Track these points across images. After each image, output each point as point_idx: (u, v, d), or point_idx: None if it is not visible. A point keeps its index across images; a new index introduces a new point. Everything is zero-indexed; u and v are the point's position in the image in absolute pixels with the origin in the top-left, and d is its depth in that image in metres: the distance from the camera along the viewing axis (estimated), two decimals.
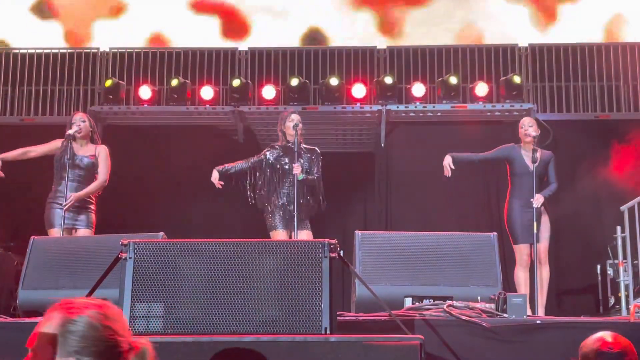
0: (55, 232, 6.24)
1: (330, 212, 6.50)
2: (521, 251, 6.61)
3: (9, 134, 8.99)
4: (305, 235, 6.27)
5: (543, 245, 6.63)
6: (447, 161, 6.70)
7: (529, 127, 6.72)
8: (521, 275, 6.60)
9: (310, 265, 3.67)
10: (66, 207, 6.22)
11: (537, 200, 6.44)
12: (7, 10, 10.14)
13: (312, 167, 6.50)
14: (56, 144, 6.59)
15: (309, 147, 6.61)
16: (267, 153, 6.61)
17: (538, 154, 6.55)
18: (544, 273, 6.62)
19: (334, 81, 9.14)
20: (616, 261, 7.55)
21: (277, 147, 6.63)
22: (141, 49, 9.74)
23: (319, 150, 6.64)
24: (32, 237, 5.12)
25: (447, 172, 6.70)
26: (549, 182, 6.72)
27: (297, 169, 6.30)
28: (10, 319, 4.53)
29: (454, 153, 6.79)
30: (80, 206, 6.38)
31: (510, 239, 6.73)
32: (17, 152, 6.61)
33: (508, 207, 6.75)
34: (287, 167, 6.46)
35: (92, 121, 6.78)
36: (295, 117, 6.59)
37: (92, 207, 6.50)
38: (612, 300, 7.90)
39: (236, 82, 9.17)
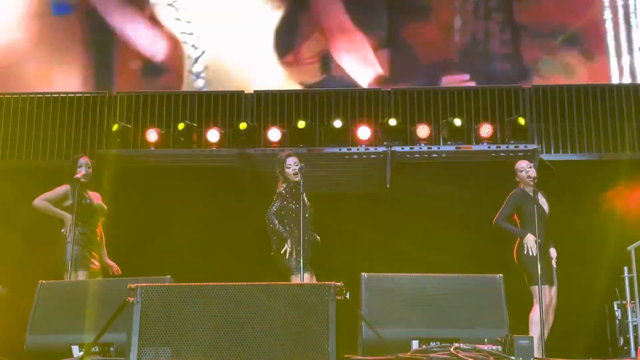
0: (83, 275, 6.26)
1: (336, 254, 6.50)
2: (544, 292, 6.32)
3: (18, 177, 9.05)
4: (313, 278, 6.26)
5: (554, 289, 6.57)
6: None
7: (529, 169, 6.70)
8: (538, 317, 6.39)
9: (317, 309, 3.68)
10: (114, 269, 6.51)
11: (554, 254, 6.48)
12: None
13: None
14: (62, 190, 6.57)
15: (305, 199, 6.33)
16: (281, 201, 6.30)
17: (542, 195, 6.56)
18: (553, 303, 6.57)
19: (337, 123, 9.21)
20: (624, 302, 7.52)
21: (285, 193, 6.31)
22: (148, 92, 9.84)
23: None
24: (40, 281, 5.13)
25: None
26: None
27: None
28: None
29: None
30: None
31: (525, 279, 6.52)
32: (44, 206, 6.49)
33: (519, 247, 6.55)
34: (295, 211, 6.23)
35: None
36: (292, 161, 6.36)
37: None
38: (621, 341, 7.84)
39: (242, 125, 9.24)
